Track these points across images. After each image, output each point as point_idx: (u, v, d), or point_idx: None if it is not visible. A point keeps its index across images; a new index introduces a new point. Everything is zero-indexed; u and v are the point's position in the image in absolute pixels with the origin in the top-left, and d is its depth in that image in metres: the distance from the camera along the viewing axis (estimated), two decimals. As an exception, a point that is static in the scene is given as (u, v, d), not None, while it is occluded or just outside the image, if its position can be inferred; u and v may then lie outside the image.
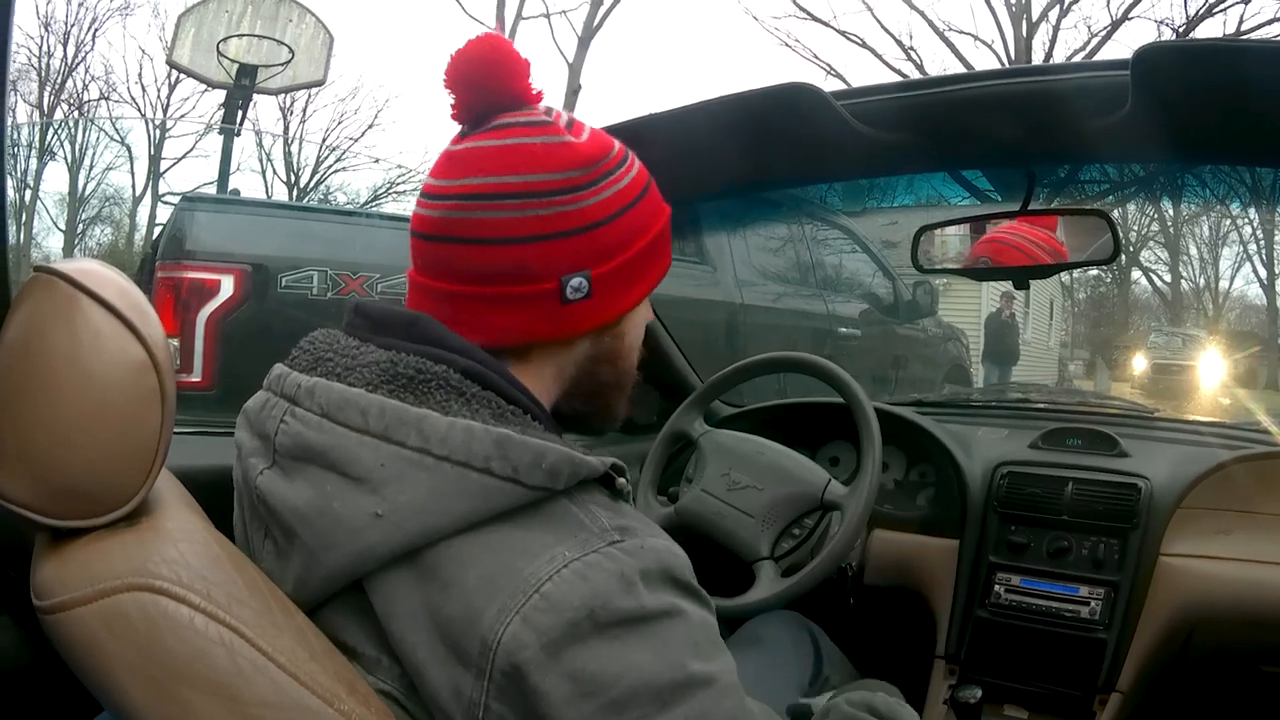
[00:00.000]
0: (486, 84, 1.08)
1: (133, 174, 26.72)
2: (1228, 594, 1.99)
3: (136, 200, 26.51)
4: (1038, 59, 17.97)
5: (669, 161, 1.63)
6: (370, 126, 30.66)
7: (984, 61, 19.10)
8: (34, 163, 22.16)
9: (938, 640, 2.25)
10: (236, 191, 8.38)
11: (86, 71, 24.27)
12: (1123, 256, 23.27)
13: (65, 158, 25.16)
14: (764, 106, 1.64)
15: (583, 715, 0.85)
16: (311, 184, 26.70)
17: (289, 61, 8.32)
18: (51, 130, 23.64)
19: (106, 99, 25.24)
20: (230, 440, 1.12)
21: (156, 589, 0.83)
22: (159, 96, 25.85)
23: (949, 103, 1.59)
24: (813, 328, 7.06)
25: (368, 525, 0.91)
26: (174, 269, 4.15)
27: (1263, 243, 27.84)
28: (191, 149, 26.01)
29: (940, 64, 19.63)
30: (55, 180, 25.16)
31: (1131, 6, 17.78)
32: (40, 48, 22.90)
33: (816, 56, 19.77)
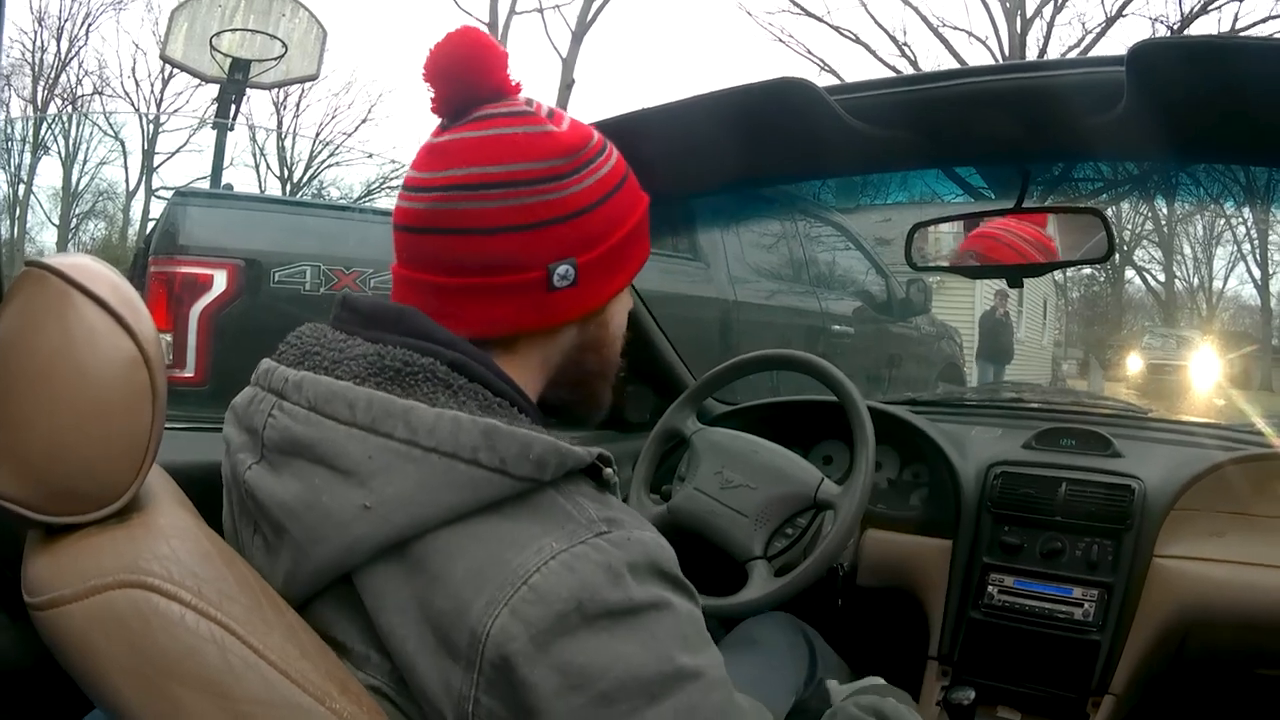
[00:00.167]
0: (465, 77, 1.08)
1: (126, 169, 26.79)
2: (1222, 596, 1.99)
3: (130, 195, 26.61)
4: (1032, 56, 18.02)
5: (661, 157, 1.62)
6: (363, 121, 30.79)
7: (978, 58, 19.17)
8: (28, 157, 22.20)
9: (930, 641, 2.24)
10: (230, 186, 8.35)
11: (80, 66, 24.32)
12: (1117, 255, 23.32)
13: (59, 152, 25.22)
14: (756, 101, 1.63)
15: (572, 708, 0.85)
16: (305, 179, 26.77)
17: (282, 56, 8.32)
18: (45, 125, 23.65)
19: (100, 93, 25.27)
20: (221, 436, 1.11)
21: (148, 585, 0.83)
22: (152, 91, 25.91)
23: (943, 98, 1.59)
24: (806, 325, 7.08)
25: (356, 518, 0.91)
26: (167, 264, 4.16)
27: (1257, 242, 27.92)
28: (185, 144, 26.06)
29: (934, 60, 19.75)
30: (49, 175, 25.19)
31: (1126, 4, 17.87)
32: (34, 42, 22.95)
33: (810, 52, 19.93)
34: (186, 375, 4.08)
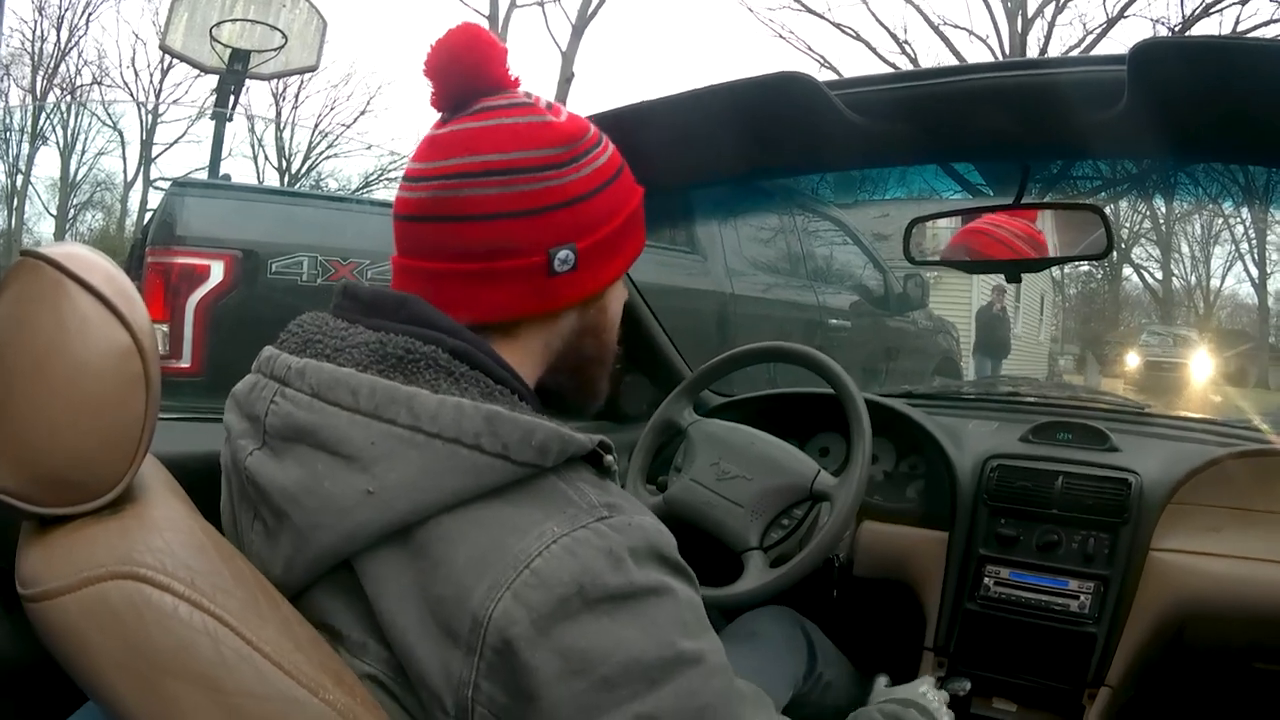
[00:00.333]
0: (465, 70, 1.10)
1: (124, 159, 26.79)
2: (1218, 590, 1.99)
3: (128, 185, 26.61)
4: (1033, 55, 17.98)
5: (661, 149, 1.62)
6: (363, 113, 30.89)
7: (979, 57, 19.19)
8: (26, 147, 22.16)
9: (926, 632, 2.25)
10: (228, 177, 8.33)
11: (79, 56, 24.31)
12: (1115, 253, 23.31)
13: (57, 142, 25.20)
14: (756, 95, 1.63)
15: (573, 693, 0.85)
16: (303, 170, 26.74)
17: (282, 47, 8.27)
18: (44, 115, 23.62)
19: (99, 83, 25.29)
20: (219, 426, 1.11)
21: (141, 577, 0.83)
22: (151, 81, 25.96)
23: (944, 94, 1.59)
24: (803, 319, 7.08)
25: (358, 503, 0.91)
26: (164, 254, 4.14)
27: (1254, 242, 27.99)
28: (183, 134, 26.06)
29: (935, 58, 19.72)
30: (47, 165, 25.17)
31: (1128, 5, 17.87)
32: (34, 32, 22.93)
33: (810, 48, 19.92)
34: (183, 366, 4.07)
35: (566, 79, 20.88)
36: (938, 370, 9.32)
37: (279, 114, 26.52)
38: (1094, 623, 2.05)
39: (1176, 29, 16.58)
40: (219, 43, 8.02)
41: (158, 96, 25.81)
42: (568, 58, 21.07)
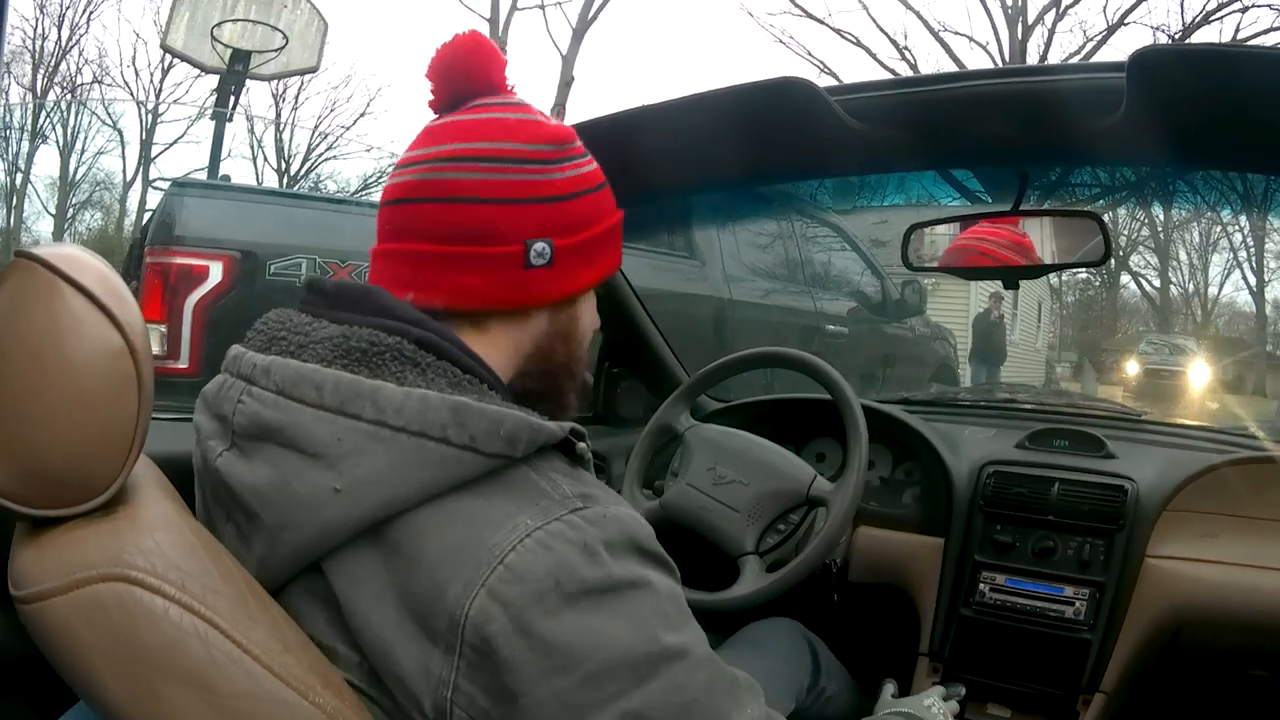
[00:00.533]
0: (466, 71, 1.13)
1: (124, 158, 26.79)
2: (1214, 597, 1.99)
3: (127, 185, 26.61)
4: (1032, 62, 18.00)
5: (661, 153, 1.63)
6: (362, 114, 30.68)
7: (979, 63, 19.23)
8: (26, 146, 22.16)
9: (922, 638, 2.24)
10: (227, 178, 8.34)
11: (80, 55, 24.32)
12: (1112, 260, 23.32)
13: (57, 141, 25.19)
14: (756, 100, 1.63)
15: (557, 691, 0.85)
16: (302, 171, 26.72)
17: (283, 48, 8.28)
18: (44, 113, 23.61)
19: (100, 82, 25.30)
20: (193, 424, 1.11)
21: (132, 579, 0.83)
22: (152, 81, 25.97)
23: (944, 100, 1.59)
24: (801, 324, 7.07)
25: (327, 501, 0.91)
26: (163, 255, 4.15)
27: (1252, 250, 27.97)
28: (183, 134, 26.03)
29: (935, 65, 19.78)
30: (46, 164, 25.17)
31: (1128, 12, 17.86)
32: (35, 30, 22.93)
33: (810, 54, 19.90)
34: (181, 366, 4.08)
35: (567, 82, 20.89)
36: (935, 377, 9.32)
37: (279, 115, 26.57)
38: (1089, 629, 2.05)
39: (1176, 36, 16.60)
40: (220, 43, 8.02)
41: (158, 96, 25.84)
42: (568, 61, 21.08)
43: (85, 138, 25.88)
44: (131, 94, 25.89)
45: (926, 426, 2.44)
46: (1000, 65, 18.10)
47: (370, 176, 23.31)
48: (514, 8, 21.21)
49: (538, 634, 0.85)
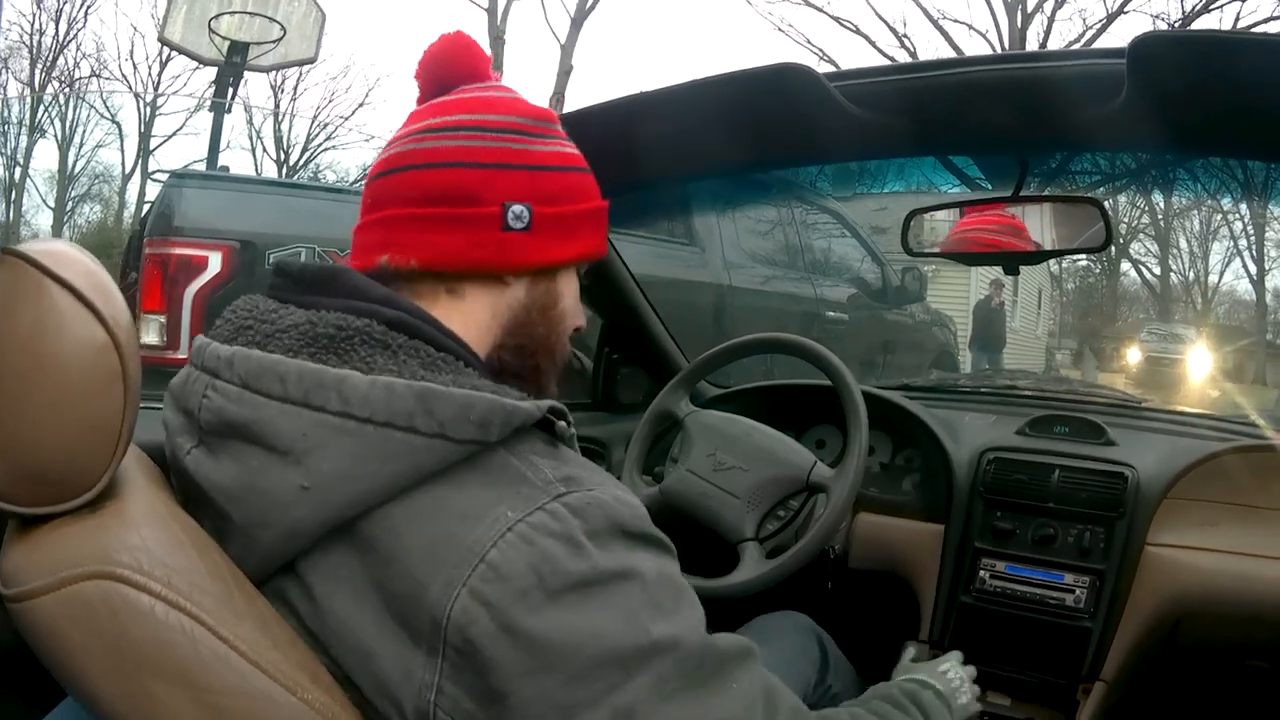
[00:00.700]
0: (450, 64, 1.16)
1: (123, 151, 26.80)
2: (1214, 586, 1.99)
3: (126, 177, 26.62)
4: (1032, 50, 17.97)
5: (660, 140, 1.63)
6: (361, 105, 30.61)
7: (978, 51, 19.10)
8: (24, 140, 22.15)
9: (921, 625, 2.24)
10: (226, 169, 8.34)
11: (78, 48, 24.38)
12: (1113, 247, 23.32)
13: (55, 135, 25.19)
14: (755, 86, 1.62)
15: (545, 691, 0.84)
16: (301, 162, 26.74)
17: (281, 39, 8.29)
18: (42, 107, 23.59)
19: (98, 76, 25.29)
20: (161, 419, 1.11)
21: (118, 577, 0.83)
22: (150, 73, 25.97)
23: (944, 86, 1.58)
24: (801, 311, 7.06)
25: (295, 499, 0.89)
26: (162, 245, 4.16)
27: (1253, 238, 28.00)
28: (181, 126, 26.11)
29: (934, 52, 19.69)
30: (45, 158, 25.17)
31: (1127, 0, 17.80)
32: (32, 25, 22.93)
33: (810, 42, 19.84)
34: (180, 357, 4.07)
35: (565, 71, 20.86)
36: (935, 363, 9.31)
37: (277, 106, 26.58)
38: (1089, 617, 2.05)
39: (1176, 24, 16.56)
40: (218, 35, 8.03)
41: (156, 89, 25.83)
42: (566, 50, 21.05)
43: (84, 131, 25.96)
44: (129, 87, 25.92)
45: (927, 413, 2.44)
46: (1000, 52, 18.08)
47: (369, 166, 23.42)
48: (513, -4, 21.19)
49: (523, 633, 0.83)
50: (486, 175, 1.07)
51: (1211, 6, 16.68)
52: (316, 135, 26.98)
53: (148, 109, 25.66)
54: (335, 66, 29.82)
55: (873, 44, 20.04)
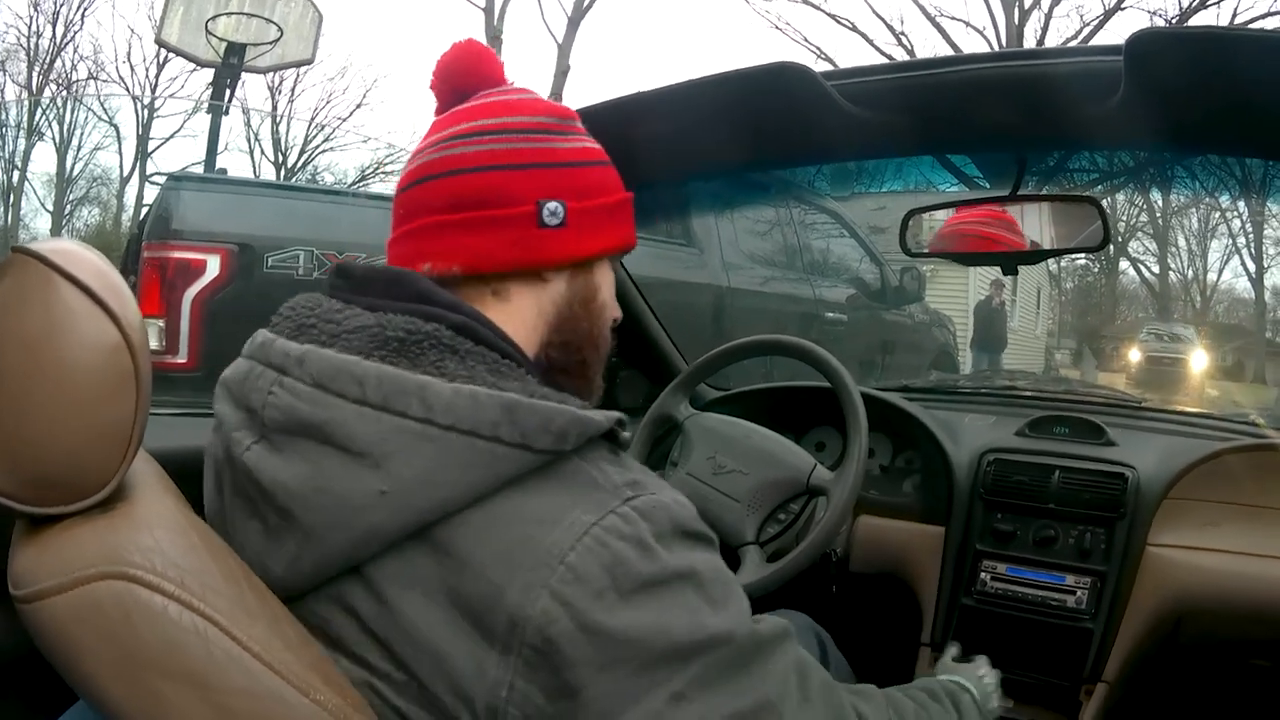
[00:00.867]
0: (466, 71, 1.17)
1: (120, 154, 26.79)
2: (1215, 586, 1.99)
3: (124, 180, 26.62)
4: (1029, 47, 17.99)
5: (657, 140, 1.62)
6: (358, 106, 30.78)
7: (975, 48, 19.15)
8: (22, 143, 22.18)
9: (923, 628, 2.24)
10: (224, 171, 8.34)
11: (75, 51, 24.43)
12: (1111, 246, 23.33)
13: (53, 138, 25.19)
14: (752, 86, 1.62)
15: (614, 681, 0.86)
16: (299, 164, 26.76)
17: (278, 40, 8.27)
18: (40, 110, 23.61)
19: (95, 79, 25.27)
20: (213, 422, 1.10)
21: (130, 577, 0.82)
22: (147, 76, 25.94)
23: (941, 84, 1.58)
24: (799, 312, 7.08)
25: (372, 503, 0.89)
26: (160, 249, 4.15)
27: (1251, 236, 27.98)
28: (179, 129, 26.16)
29: (931, 50, 19.78)
30: (43, 161, 25.22)
31: (1125, -4, 17.82)
32: (29, 28, 22.93)
33: (807, 40, 19.89)
34: (180, 361, 4.08)
35: (562, 72, 20.89)
36: (934, 364, 9.32)
37: (275, 108, 26.58)
38: (1091, 618, 2.05)
39: (1173, 21, 16.57)
40: (214, 36, 8.01)
41: (153, 91, 25.83)
42: (563, 50, 21.08)
43: (82, 134, 25.91)
44: (127, 89, 25.90)
45: (926, 414, 2.44)
46: (997, 50, 18.11)
47: (368, 167, 23.45)
48: (509, -3, 21.22)
49: (599, 630, 0.86)
50: (518, 176, 1.09)
51: (1208, 2, 16.71)
52: (314, 137, 27.00)
53: (145, 111, 25.65)
54: (332, 68, 29.95)
55: (870, 42, 20.11)
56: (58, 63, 23.94)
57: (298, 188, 9.74)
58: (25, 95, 23.78)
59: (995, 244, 2.03)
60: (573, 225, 1.11)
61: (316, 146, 27.24)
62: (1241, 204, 24.64)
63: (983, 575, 2.18)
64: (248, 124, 25.40)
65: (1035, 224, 2.02)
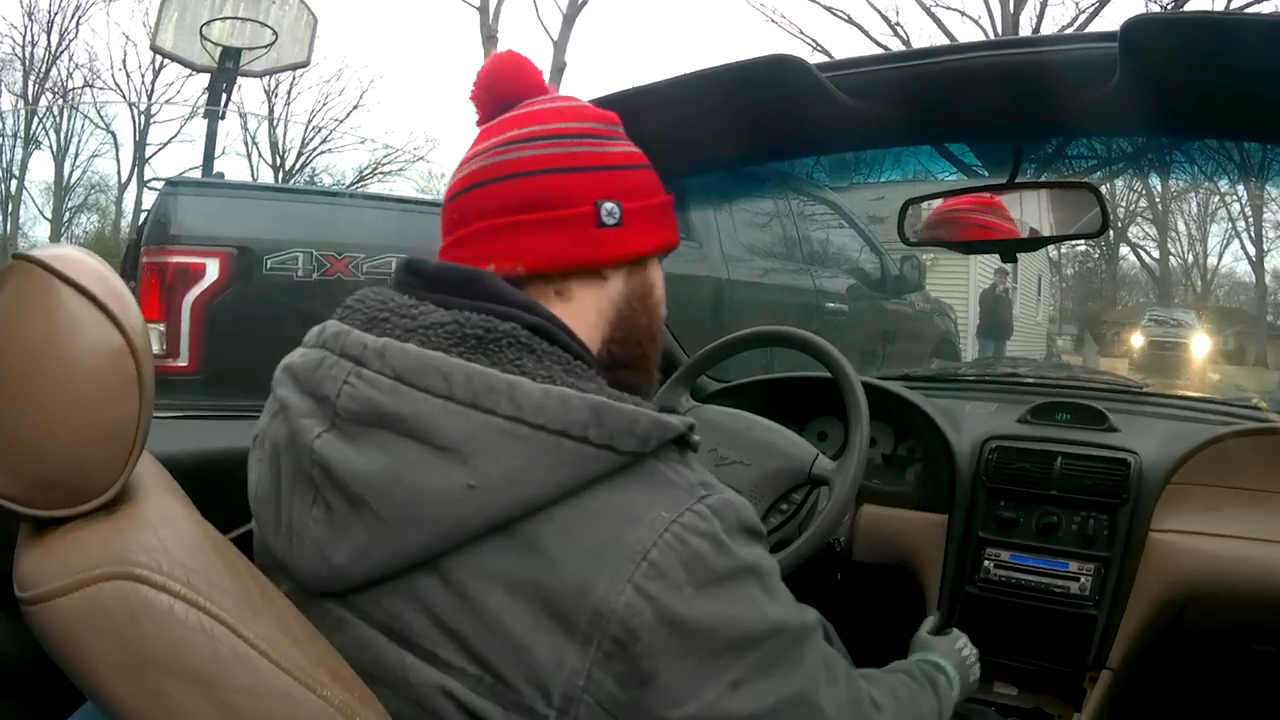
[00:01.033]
0: (508, 81, 1.20)
1: (118, 160, 26.93)
2: (1218, 571, 1.99)
3: (122, 187, 26.59)
4: (1024, 35, 17.97)
5: (654, 135, 1.61)
6: (355, 107, 30.79)
7: (971, 38, 19.09)
8: (19, 152, 22.15)
9: (927, 616, 2.23)
10: (221, 175, 8.35)
11: (71, 59, 24.32)
12: (1111, 232, 23.29)
13: (50, 146, 25.16)
14: (748, 79, 1.62)
15: (685, 668, 0.90)
16: (297, 166, 26.75)
17: (273, 43, 8.28)
18: (36, 119, 23.60)
19: (91, 86, 25.29)
20: (217, 425, 1.11)
21: (136, 577, 0.83)
22: (143, 82, 25.93)
23: (936, 74, 1.58)
24: (800, 303, 7.08)
25: (459, 498, 0.90)
26: (159, 254, 4.15)
27: (1250, 220, 27.92)
28: (176, 134, 26.08)
29: (927, 40, 19.71)
30: (41, 169, 25.17)
31: (1120, -16, 17.80)
32: (24, 36, 22.93)
33: (802, 32, 19.87)
34: (180, 364, 4.07)
35: (559, 69, 20.87)
36: (935, 352, 9.33)
37: (271, 111, 26.60)
38: (1094, 605, 2.05)
39: (1169, 6, 16.55)
40: (210, 41, 8.02)
41: (150, 97, 25.84)
42: (559, 47, 21.06)
43: (79, 141, 25.87)
44: (123, 96, 25.94)
45: (928, 402, 2.44)
46: (993, 38, 18.11)
47: (366, 168, 23.41)
48: (504, -7, 21.19)
49: (677, 621, 0.89)
50: (574, 178, 1.11)
51: (1203, -10, 16.68)
52: (311, 139, 26.99)
53: (142, 117, 25.65)
54: (328, 70, 29.80)
55: (865, 33, 20.10)
56: (53, 71, 23.95)
57: (295, 190, 9.76)
58: (21, 104, 23.78)
59: (990, 231, 2.02)
60: (628, 224, 1.14)
61: (314, 149, 27.25)
62: (1240, 188, 24.60)
63: (986, 563, 2.19)
64: (245, 128, 25.38)
65: (1034, 211, 2.02)
